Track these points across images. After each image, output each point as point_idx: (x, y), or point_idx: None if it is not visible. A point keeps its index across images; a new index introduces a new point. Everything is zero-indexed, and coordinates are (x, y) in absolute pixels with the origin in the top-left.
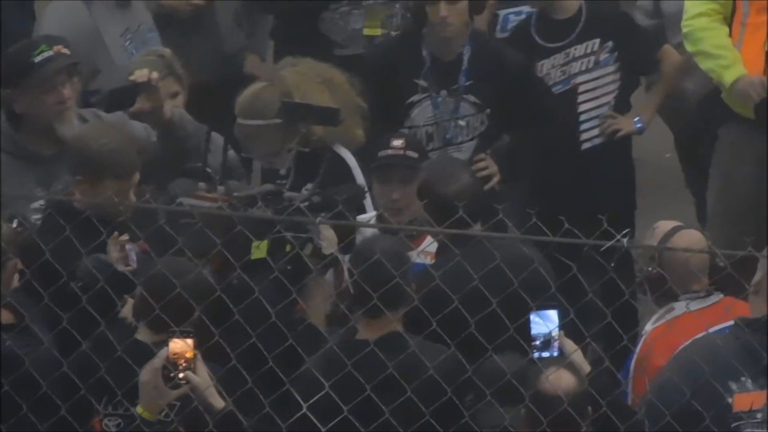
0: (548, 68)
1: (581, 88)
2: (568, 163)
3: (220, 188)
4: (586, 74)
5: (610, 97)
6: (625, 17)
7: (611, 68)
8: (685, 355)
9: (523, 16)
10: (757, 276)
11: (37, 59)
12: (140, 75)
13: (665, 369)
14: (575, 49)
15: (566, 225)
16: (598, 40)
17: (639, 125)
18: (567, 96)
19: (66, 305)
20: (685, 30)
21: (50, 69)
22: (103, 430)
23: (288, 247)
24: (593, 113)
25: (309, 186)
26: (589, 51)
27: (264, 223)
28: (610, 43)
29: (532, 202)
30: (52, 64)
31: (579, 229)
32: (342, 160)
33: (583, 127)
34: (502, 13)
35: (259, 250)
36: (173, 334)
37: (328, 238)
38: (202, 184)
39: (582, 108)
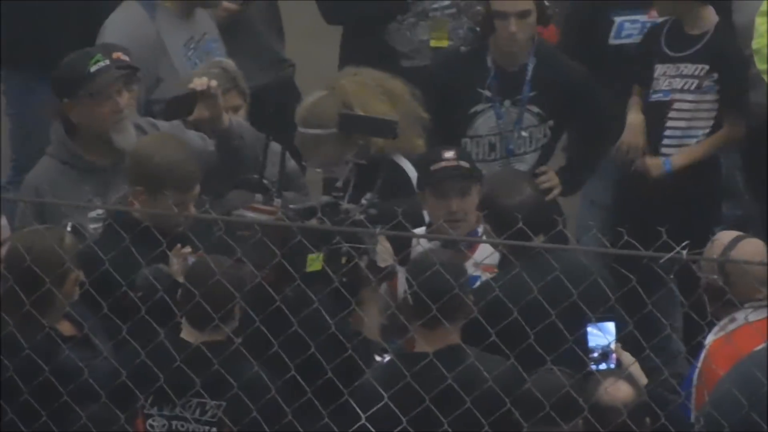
0: (659, 73)
1: (676, 105)
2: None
3: (277, 200)
4: (686, 94)
5: (702, 123)
6: (740, 58)
7: (710, 96)
8: (744, 366)
9: (638, 25)
10: None
11: (93, 69)
12: (199, 83)
13: (723, 381)
14: (686, 66)
15: (625, 237)
16: (707, 67)
17: (667, 167)
18: (660, 106)
19: (125, 316)
20: (755, 47)
21: (106, 79)
22: (147, 430)
23: (344, 260)
24: (678, 132)
25: (368, 196)
26: (696, 73)
27: (319, 236)
28: (715, 75)
29: (612, 217)
30: (108, 73)
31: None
32: (403, 171)
33: (665, 141)
34: (618, 19)
35: (316, 262)
36: None
37: (383, 251)
38: (258, 196)
39: (669, 124)
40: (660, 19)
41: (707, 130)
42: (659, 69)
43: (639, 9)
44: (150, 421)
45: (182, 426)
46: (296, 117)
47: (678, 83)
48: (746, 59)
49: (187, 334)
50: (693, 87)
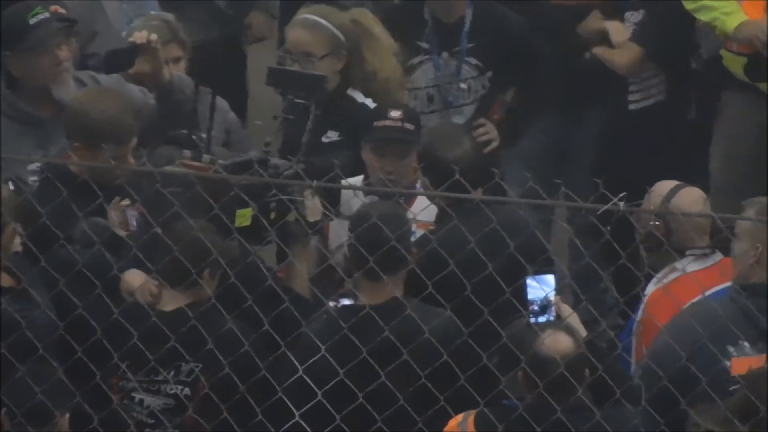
0: (626, 20)
1: None
2: (615, 124)
3: (206, 156)
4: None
5: None
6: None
7: None
8: (683, 318)
9: None
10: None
11: (32, 21)
12: (140, 37)
13: (662, 333)
14: (631, 14)
15: (563, 189)
16: (643, 12)
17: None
18: None
19: (64, 268)
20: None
21: (45, 31)
22: (119, 390)
23: (273, 215)
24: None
25: (330, 133)
26: (638, 20)
27: (248, 192)
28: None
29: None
30: (48, 26)
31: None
32: (363, 106)
33: (632, 88)
34: None
35: (244, 217)
36: None
37: (311, 207)
38: (186, 152)
39: None
40: None
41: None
42: (626, 17)
43: None
44: (122, 383)
45: (154, 386)
46: None
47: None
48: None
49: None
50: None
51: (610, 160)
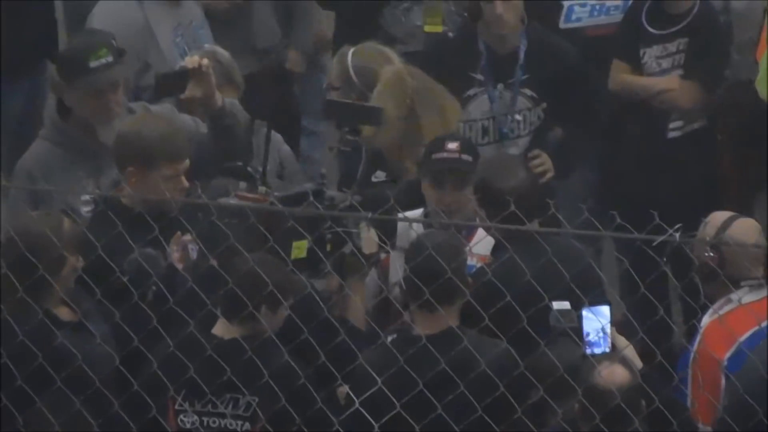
0: (649, 57)
1: None
2: (653, 153)
3: (261, 188)
4: (678, 69)
5: None
6: (715, 30)
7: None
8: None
9: (587, 8)
10: None
11: (93, 65)
12: (191, 61)
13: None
14: (671, 44)
15: (618, 220)
16: (687, 39)
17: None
18: None
19: (119, 300)
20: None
21: (103, 77)
22: (179, 426)
23: (329, 247)
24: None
25: (378, 173)
26: (680, 48)
27: (304, 224)
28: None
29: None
30: (106, 72)
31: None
32: None
33: (674, 116)
34: (566, 3)
35: (299, 249)
36: None
37: (367, 239)
38: (242, 184)
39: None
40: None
41: None
42: (647, 53)
43: None
44: (181, 416)
45: (214, 422)
46: None
47: (668, 63)
48: (723, 34)
49: (220, 328)
50: (682, 61)
51: (655, 188)
